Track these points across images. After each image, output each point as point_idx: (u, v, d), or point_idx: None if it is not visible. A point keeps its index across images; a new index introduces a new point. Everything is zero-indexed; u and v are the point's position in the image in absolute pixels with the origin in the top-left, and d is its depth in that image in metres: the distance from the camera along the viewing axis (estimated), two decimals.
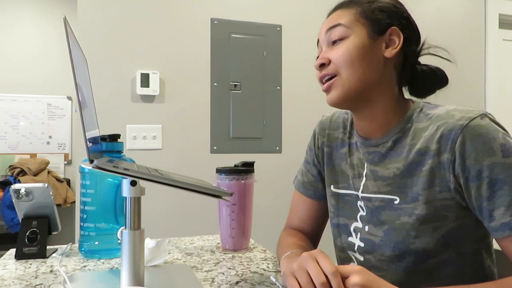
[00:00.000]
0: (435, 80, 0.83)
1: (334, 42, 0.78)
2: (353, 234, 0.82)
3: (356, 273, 0.58)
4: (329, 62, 0.77)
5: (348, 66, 0.75)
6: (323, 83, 0.79)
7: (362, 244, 0.80)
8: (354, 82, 0.75)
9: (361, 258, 0.80)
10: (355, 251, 0.82)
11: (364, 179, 0.81)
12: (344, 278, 0.59)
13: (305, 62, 2.13)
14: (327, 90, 0.79)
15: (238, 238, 0.99)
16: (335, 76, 0.77)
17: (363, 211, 0.81)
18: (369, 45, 0.75)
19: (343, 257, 0.85)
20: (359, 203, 0.82)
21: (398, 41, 0.77)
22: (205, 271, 0.84)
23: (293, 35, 2.13)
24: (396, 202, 0.74)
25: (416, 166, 0.72)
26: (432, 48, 0.82)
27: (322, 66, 0.78)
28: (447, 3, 2.45)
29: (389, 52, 0.77)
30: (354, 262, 0.82)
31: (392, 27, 0.77)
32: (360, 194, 0.82)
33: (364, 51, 0.75)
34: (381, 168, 0.78)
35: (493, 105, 2.48)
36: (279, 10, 2.12)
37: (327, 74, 0.78)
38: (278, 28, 2.11)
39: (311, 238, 0.97)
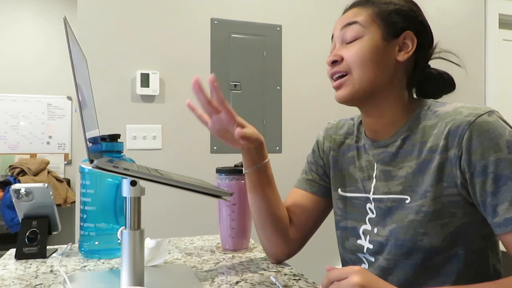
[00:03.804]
0: (442, 84, 0.84)
1: (348, 41, 0.78)
2: (362, 236, 0.82)
3: (355, 273, 0.58)
4: (342, 59, 0.78)
5: (360, 66, 0.76)
6: (334, 80, 0.80)
7: (371, 246, 0.80)
8: (364, 82, 0.76)
9: (372, 259, 0.80)
10: (364, 253, 0.82)
11: (374, 180, 0.81)
12: (343, 279, 0.59)
13: (305, 62, 2.13)
14: (337, 88, 0.80)
15: (238, 238, 0.99)
16: (346, 74, 0.78)
17: (373, 213, 0.80)
18: (382, 47, 0.76)
19: (354, 259, 0.85)
20: (369, 205, 0.82)
21: (411, 45, 0.77)
22: (205, 271, 0.84)
23: (293, 35, 2.13)
24: (407, 201, 0.74)
25: (427, 164, 0.73)
26: (443, 52, 0.83)
27: (334, 63, 0.79)
28: (447, 3, 2.45)
29: (402, 56, 0.77)
30: (365, 264, 0.82)
31: (407, 31, 0.77)
32: (371, 196, 0.81)
33: (377, 53, 0.76)
34: (394, 168, 0.78)
35: (493, 105, 2.48)
36: (279, 10, 2.12)
37: (338, 71, 0.79)
38: (278, 28, 2.11)
39: (296, 231, 0.92)
